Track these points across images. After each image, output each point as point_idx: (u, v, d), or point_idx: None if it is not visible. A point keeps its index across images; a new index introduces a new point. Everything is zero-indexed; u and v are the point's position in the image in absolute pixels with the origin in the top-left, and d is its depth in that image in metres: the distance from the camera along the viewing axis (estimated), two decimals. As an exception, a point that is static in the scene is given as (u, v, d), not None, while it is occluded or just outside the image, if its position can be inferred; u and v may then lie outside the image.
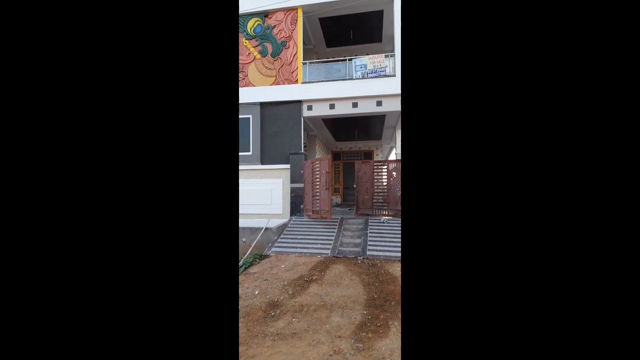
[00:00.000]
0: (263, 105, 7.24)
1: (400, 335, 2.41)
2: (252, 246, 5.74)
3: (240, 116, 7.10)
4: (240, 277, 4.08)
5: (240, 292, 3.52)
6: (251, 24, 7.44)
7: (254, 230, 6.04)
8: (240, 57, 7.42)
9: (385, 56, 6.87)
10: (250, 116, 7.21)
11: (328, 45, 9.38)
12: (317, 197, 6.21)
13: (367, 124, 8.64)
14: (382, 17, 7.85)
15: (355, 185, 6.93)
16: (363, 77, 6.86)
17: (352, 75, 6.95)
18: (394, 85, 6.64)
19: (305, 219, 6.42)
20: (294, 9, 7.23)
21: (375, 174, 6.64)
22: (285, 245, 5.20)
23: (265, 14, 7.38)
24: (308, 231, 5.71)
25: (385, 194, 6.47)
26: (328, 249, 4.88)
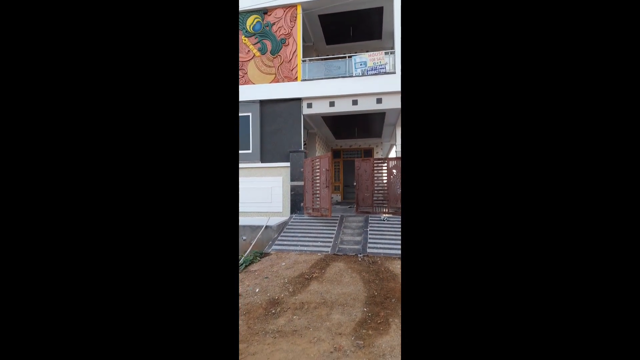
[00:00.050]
0: (263, 103, 7.22)
1: (400, 332, 2.42)
2: (253, 244, 5.75)
3: (239, 114, 7.09)
4: (241, 275, 4.10)
5: (241, 289, 3.54)
6: (250, 21, 7.40)
7: (255, 229, 6.05)
8: (239, 54, 7.39)
9: (385, 53, 6.84)
10: (250, 114, 7.20)
11: (328, 43, 9.33)
12: (317, 195, 6.21)
13: (367, 121, 8.62)
14: (382, 13, 7.81)
15: (355, 183, 6.93)
16: (363, 75, 6.84)
17: (352, 73, 6.92)
18: (394, 82, 6.61)
19: (305, 217, 6.43)
20: (293, 5, 7.19)
21: (375, 171, 6.64)
22: (285, 243, 5.21)
23: (264, 11, 7.34)
24: (308, 229, 5.71)
25: (386, 191, 6.48)
26: (328, 246, 4.88)
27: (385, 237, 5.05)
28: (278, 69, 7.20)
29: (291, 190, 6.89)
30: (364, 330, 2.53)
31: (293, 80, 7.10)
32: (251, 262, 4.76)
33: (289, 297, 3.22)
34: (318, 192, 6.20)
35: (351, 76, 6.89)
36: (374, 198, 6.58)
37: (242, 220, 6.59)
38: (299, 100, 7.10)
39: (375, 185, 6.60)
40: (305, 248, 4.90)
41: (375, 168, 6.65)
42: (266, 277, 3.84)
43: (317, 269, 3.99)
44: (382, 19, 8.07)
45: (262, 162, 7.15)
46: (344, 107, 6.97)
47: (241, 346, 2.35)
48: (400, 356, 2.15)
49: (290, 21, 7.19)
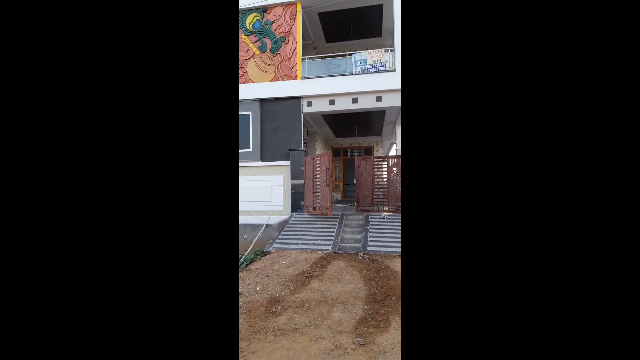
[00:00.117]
0: (262, 101, 7.21)
1: (400, 329, 2.43)
2: (253, 243, 5.76)
3: (239, 113, 7.08)
4: (242, 274, 4.11)
5: (242, 288, 3.55)
6: (250, 20, 7.38)
7: (255, 227, 6.06)
8: (239, 53, 7.36)
9: (385, 51, 6.82)
10: (250, 113, 7.19)
11: (327, 41, 9.30)
12: (318, 194, 6.21)
13: (367, 119, 8.61)
14: (382, 11, 7.77)
15: (355, 182, 6.92)
16: (363, 73, 6.82)
17: (352, 71, 6.90)
18: (394, 80, 6.59)
19: (305, 216, 6.44)
20: (292, 3, 7.16)
21: (375, 170, 6.63)
22: (286, 241, 5.22)
23: (264, 9, 7.32)
24: (309, 227, 5.72)
25: (386, 189, 6.48)
26: (329, 245, 4.89)
27: (386, 235, 5.05)
28: (278, 67, 7.18)
29: (291, 189, 6.89)
30: (364, 328, 2.54)
31: (293, 79, 7.08)
32: (252, 261, 4.77)
33: (290, 296, 3.23)
34: (318, 190, 6.20)
35: (351, 74, 6.88)
36: (374, 196, 6.58)
37: (243, 219, 6.60)
38: (298, 98, 7.08)
39: (376, 183, 6.60)
40: (306, 246, 4.91)
41: (375, 166, 6.65)
42: (267, 276, 3.85)
43: (318, 267, 4.00)
44: (382, 17, 8.04)
45: (262, 160, 7.15)
46: (344, 105, 6.96)
47: (242, 344, 2.36)
48: (400, 353, 2.16)
49: (290, 19, 7.17)
